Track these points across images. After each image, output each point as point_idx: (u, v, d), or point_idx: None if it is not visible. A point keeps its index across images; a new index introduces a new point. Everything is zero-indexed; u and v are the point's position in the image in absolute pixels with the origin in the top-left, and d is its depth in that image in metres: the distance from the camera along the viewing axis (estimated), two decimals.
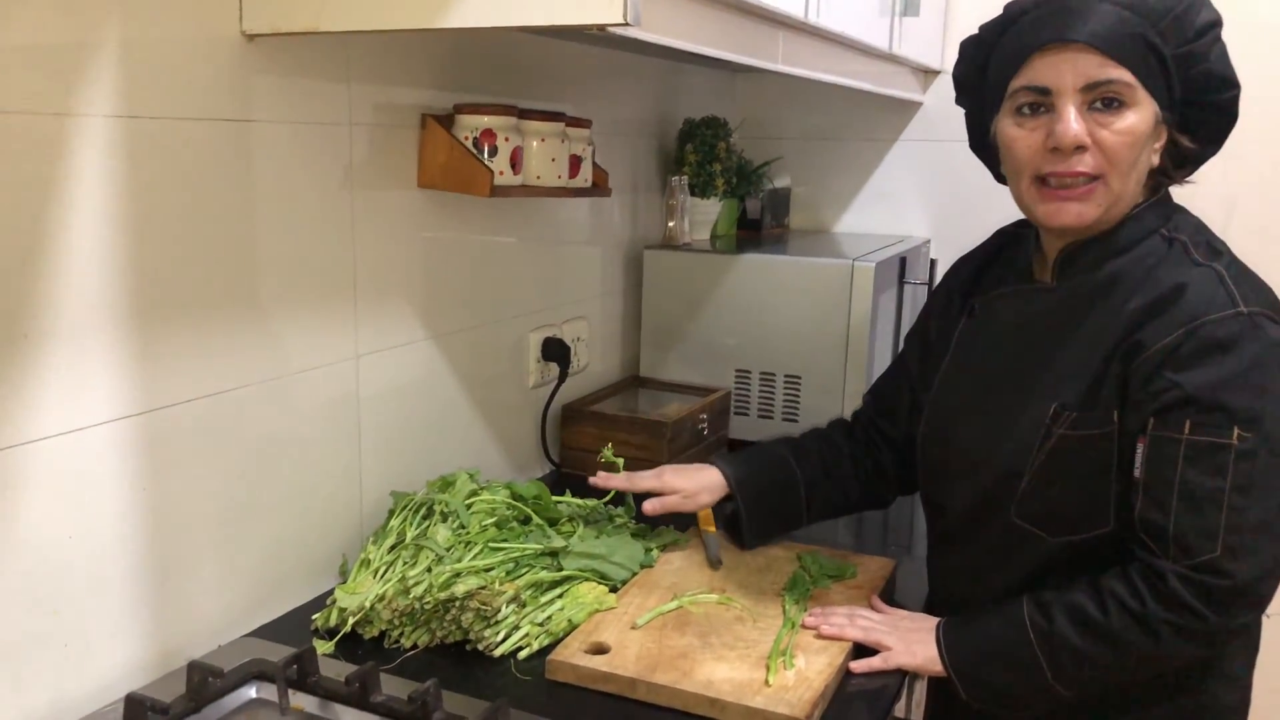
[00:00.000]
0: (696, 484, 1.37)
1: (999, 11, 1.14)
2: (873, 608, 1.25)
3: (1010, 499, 1.14)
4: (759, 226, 2.28)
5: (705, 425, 1.83)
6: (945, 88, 2.23)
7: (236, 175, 1.14)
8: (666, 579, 1.31)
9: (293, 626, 1.23)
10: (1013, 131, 1.10)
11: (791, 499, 1.37)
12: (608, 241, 1.96)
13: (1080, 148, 1.05)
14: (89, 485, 1.02)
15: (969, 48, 1.19)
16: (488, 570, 1.22)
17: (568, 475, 1.78)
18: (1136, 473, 1.05)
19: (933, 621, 1.18)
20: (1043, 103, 1.07)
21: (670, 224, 2.03)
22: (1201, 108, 1.09)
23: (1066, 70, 1.04)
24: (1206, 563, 1.01)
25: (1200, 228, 1.13)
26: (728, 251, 1.97)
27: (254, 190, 1.16)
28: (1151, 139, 1.08)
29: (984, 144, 1.19)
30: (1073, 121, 1.04)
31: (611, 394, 1.93)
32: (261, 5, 1.09)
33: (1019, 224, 1.25)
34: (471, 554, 1.25)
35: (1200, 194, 1.18)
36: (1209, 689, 1.12)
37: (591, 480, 1.40)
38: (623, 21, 0.89)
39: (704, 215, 2.13)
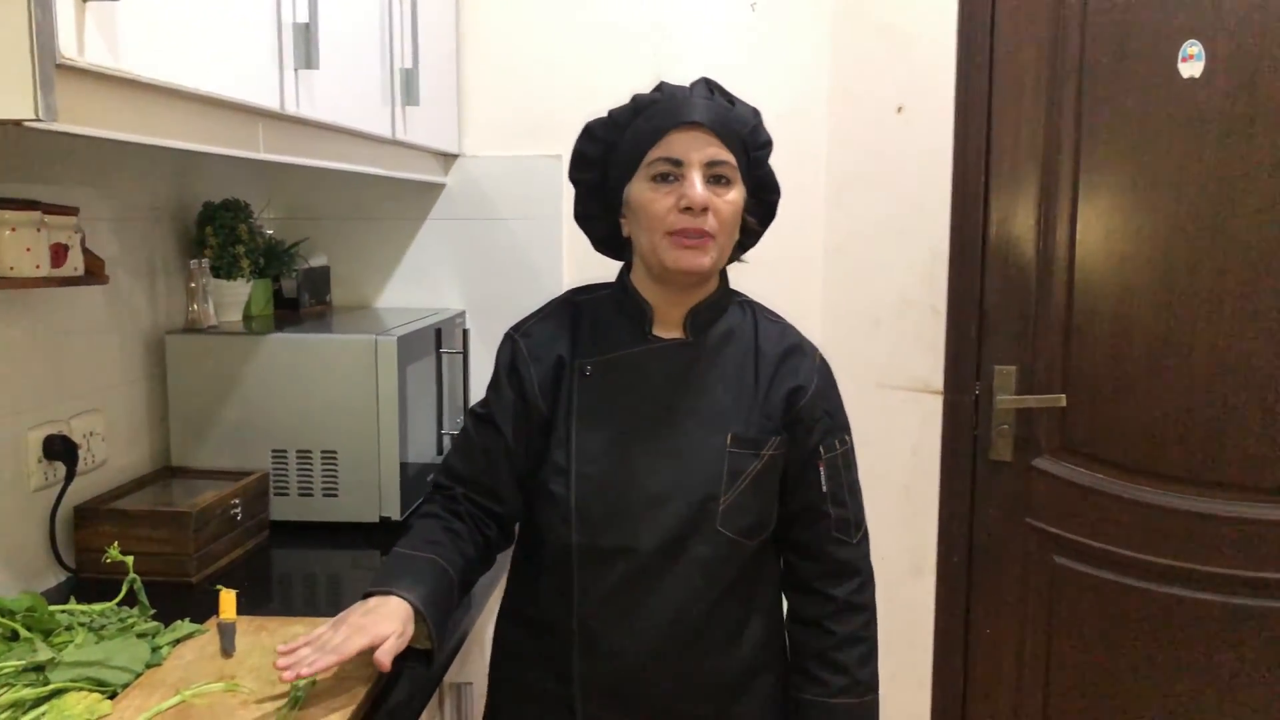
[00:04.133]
0: (400, 620, 1.27)
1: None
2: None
3: (713, 518, 1.32)
4: (297, 305, 2.28)
5: (239, 510, 1.79)
6: (468, 169, 2.40)
7: None
8: (174, 675, 1.27)
9: None
10: (649, 194, 1.30)
11: (454, 596, 1.38)
12: (124, 329, 1.86)
13: (704, 209, 1.27)
14: None
15: (600, 129, 1.37)
16: None
17: (89, 580, 1.66)
18: (824, 488, 1.38)
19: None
20: (673, 172, 1.29)
21: (193, 307, 1.98)
22: (759, 203, 1.38)
23: (693, 147, 1.28)
24: (864, 532, 1.43)
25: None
26: (257, 332, 1.95)
27: None
28: (740, 216, 1.33)
29: (589, 214, 1.41)
30: (699, 187, 1.27)
31: (138, 488, 1.83)
32: None
33: (574, 293, 1.44)
34: None
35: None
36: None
37: (281, 672, 1.18)
38: (35, 117, 0.87)
39: (233, 297, 2.09)
